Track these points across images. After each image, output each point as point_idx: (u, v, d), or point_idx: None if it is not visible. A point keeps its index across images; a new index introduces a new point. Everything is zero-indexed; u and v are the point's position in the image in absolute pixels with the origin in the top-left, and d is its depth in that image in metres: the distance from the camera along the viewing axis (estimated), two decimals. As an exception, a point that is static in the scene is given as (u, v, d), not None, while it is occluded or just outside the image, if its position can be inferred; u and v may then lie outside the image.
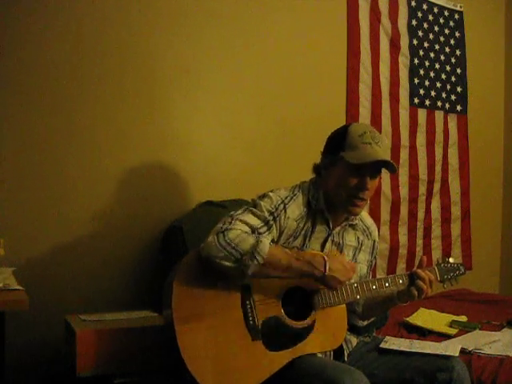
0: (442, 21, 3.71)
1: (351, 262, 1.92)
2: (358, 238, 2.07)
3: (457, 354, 1.95)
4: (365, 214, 2.12)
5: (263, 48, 3.02)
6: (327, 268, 1.80)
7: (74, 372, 2.05)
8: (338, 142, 1.92)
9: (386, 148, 1.94)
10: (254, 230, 1.82)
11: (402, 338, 2.35)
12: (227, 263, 1.73)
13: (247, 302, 1.83)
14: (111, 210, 2.62)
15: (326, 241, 1.98)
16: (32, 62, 2.45)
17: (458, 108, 3.78)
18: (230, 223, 1.80)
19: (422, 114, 3.63)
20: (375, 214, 3.32)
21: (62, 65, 2.51)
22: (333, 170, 1.93)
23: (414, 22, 3.57)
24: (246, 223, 1.82)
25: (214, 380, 1.76)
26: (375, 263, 2.30)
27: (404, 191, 3.53)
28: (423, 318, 2.81)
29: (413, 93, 3.58)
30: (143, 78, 2.69)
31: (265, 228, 1.85)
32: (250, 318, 1.82)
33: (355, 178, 1.88)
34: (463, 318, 2.85)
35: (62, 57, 2.51)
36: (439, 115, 3.71)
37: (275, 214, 1.87)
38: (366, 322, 2.12)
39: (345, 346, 2.00)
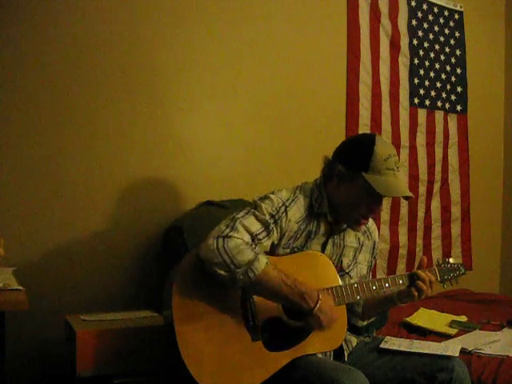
0: (441, 21, 3.70)
1: (336, 314, 1.84)
2: (359, 238, 2.08)
3: (457, 354, 1.95)
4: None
5: (263, 48, 3.02)
6: (318, 305, 1.77)
7: (74, 372, 2.05)
8: (362, 159, 1.87)
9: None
10: (253, 237, 1.81)
11: (401, 338, 2.35)
12: (220, 271, 1.73)
13: (247, 302, 1.82)
14: (111, 210, 2.62)
15: (326, 242, 1.98)
16: (32, 62, 2.45)
17: (458, 108, 3.78)
18: (232, 228, 1.78)
19: (421, 114, 3.62)
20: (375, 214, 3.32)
21: (62, 64, 2.51)
22: (349, 185, 1.90)
23: (414, 22, 3.57)
24: (247, 230, 1.80)
25: (214, 380, 1.76)
26: (375, 263, 2.30)
27: (404, 191, 3.53)
28: (423, 317, 2.81)
29: (413, 93, 3.58)
30: (143, 78, 2.69)
31: (264, 234, 1.84)
32: (250, 319, 1.81)
33: (369, 201, 1.89)
34: (463, 318, 2.85)
35: (62, 57, 2.51)
36: (439, 115, 3.70)
37: (276, 217, 1.87)
38: (365, 322, 2.13)
39: (345, 346, 2.00)
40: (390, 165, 1.87)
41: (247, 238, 1.79)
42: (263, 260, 1.76)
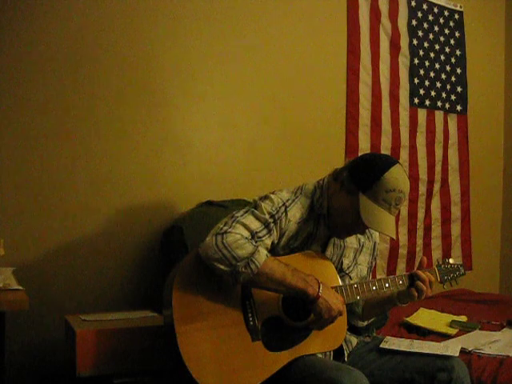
0: (442, 21, 3.71)
1: (341, 299, 1.83)
2: (359, 239, 2.07)
3: (457, 354, 1.95)
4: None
5: (263, 48, 3.02)
6: (321, 289, 1.77)
7: (74, 372, 2.05)
8: (366, 179, 1.82)
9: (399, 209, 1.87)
10: (253, 234, 1.81)
11: (402, 338, 2.34)
12: (221, 266, 1.73)
13: (247, 303, 1.82)
14: (111, 209, 2.62)
15: (327, 243, 1.97)
16: (32, 65, 2.46)
17: (458, 108, 3.78)
18: (231, 225, 1.78)
19: (421, 114, 3.63)
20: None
21: (61, 65, 2.51)
22: (345, 197, 1.87)
23: (413, 22, 3.58)
24: (246, 227, 1.80)
25: (214, 380, 1.75)
26: (375, 264, 2.30)
27: (404, 191, 3.53)
28: (423, 318, 2.82)
29: (413, 93, 3.58)
30: (144, 78, 2.69)
31: (264, 231, 1.84)
32: (250, 319, 1.81)
33: (354, 220, 1.86)
34: (463, 318, 2.85)
35: (62, 58, 2.51)
36: (439, 115, 3.71)
37: (276, 217, 1.86)
38: (365, 323, 2.13)
39: (345, 346, 2.00)
40: (389, 199, 1.81)
41: (246, 233, 1.79)
42: (263, 252, 1.76)
